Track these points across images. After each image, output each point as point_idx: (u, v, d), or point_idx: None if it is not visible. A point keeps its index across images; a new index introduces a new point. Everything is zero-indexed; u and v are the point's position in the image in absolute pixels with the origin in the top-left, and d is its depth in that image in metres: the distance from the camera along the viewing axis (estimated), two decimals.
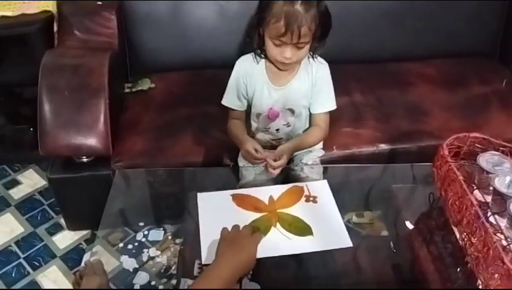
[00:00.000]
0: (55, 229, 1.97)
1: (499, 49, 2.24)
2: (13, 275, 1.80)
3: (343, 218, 1.23)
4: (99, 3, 1.93)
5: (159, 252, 1.16)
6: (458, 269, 1.11)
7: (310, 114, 1.47)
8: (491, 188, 1.09)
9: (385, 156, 1.72)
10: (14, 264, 1.84)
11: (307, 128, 1.50)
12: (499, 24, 2.20)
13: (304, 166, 1.50)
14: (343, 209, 1.25)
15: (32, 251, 1.89)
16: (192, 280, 1.07)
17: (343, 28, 2.05)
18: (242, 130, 1.43)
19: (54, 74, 1.66)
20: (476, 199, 1.06)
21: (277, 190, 1.30)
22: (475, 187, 1.10)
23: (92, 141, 1.63)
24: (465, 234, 1.07)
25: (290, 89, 1.40)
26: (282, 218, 1.21)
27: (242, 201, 1.27)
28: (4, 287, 1.75)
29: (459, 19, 2.13)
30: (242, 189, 1.32)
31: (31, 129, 2.16)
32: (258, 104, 1.42)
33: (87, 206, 1.75)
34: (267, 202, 1.26)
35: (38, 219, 2.02)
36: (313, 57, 1.38)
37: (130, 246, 1.18)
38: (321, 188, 1.31)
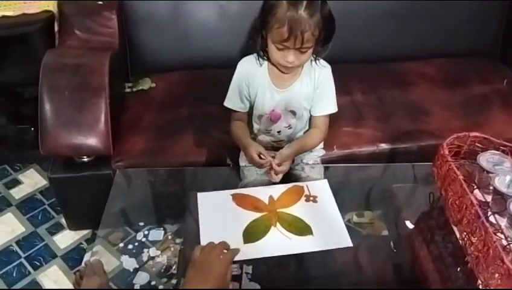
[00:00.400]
0: (56, 228, 1.98)
1: (499, 49, 2.24)
2: (14, 274, 1.80)
3: (343, 218, 1.23)
4: (100, 3, 1.93)
5: (159, 252, 1.16)
6: (458, 269, 1.11)
7: (310, 116, 1.47)
8: (491, 187, 1.09)
9: (385, 156, 1.72)
10: (15, 264, 1.84)
11: (307, 130, 1.50)
12: (500, 24, 2.20)
13: (304, 165, 1.50)
14: (343, 208, 1.25)
15: (33, 250, 1.89)
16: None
17: (344, 27, 2.02)
18: (245, 132, 1.42)
19: (55, 73, 1.67)
20: (476, 198, 1.06)
21: (277, 190, 1.30)
22: (475, 187, 1.10)
23: (92, 141, 1.63)
24: (465, 233, 1.07)
25: (292, 92, 1.40)
26: (282, 218, 1.21)
27: (242, 201, 1.27)
28: (5, 287, 1.75)
29: (460, 19, 2.13)
30: (242, 189, 1.32)
31: (32, 129, 2.16)
32: (260, 106, 1.42)
33: (87, 206, 1.75)
34: (267, 202, 1.26)
35: (39, 218, 2.02)
36: (315, 60, 1.38)
37: (130, 246, 1.18)
38: (321, 188, 1.31)
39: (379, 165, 1.56)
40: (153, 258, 1.15)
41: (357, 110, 1.84)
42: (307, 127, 1.50)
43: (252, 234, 1.17)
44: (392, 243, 1.26)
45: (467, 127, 1.61)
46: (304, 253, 1.14)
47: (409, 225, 1.26)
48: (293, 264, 1.15)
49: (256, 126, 1.48)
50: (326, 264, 1.18)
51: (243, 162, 1.52)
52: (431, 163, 1.24)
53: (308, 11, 1.19)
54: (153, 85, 1.96)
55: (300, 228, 1.19)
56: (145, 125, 1.77)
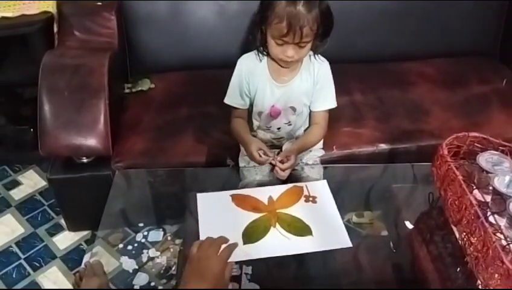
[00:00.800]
0: (56, 229, 1.97)
1: (499, 49, 2.24)
2: (14, 275, 1.80)
3: (343, 218, 1.23)
4: (99, 3, 1.93)
5: (158, 253, 1.16)
6: (458, 269, 1.11)
7: (310, 112, 1.48)
8: (490, 187, 1.09)
9: (385, 156, 1.72)
10: (14, 264, 1.84)
11: (307, 128, 1.50)
12: (499, 23, 2.20)
13: (304, 166, 1.50)
14: (343, 209, 1.25)
15: (32, 251, 1.89)
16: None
17: (344, 27, 2.03)
18: (245, 129, 1.43)
19: (54, 74, 1.67)
20: (476, 198, 1.06)
21: (276, 190, 1.30)
22: (474, 187, 1.10)
23: (92, 141, 1.63)
24: (464, 233, 1.07)
25: (292, 87, 1.41)
26: (282, 218, 1.21)
27: (241, 201, 1.27)
28: (4, 288, 1.75)
29: (459, 19, 2.13)
30: (241, 189, 1.32)
31: (31, 130, 2.16)
32: (260, 102, 1.43)
33: (87, 206, 1.75)
34: (266, 202, 1.26)
35: (39, 219, 2.02)
36: (314, 56, 1.39)
37: (130, 247, 1.18)
38: (321, 188, 1.31)
39: (378, 165, 1.56)
40: (152, 259, 1.15)
41: (356, 110, 1.84)
42: (307, 124, 1.50)
43: (251, 234, 1.17)
44: (391, 243, 1.26)
45: (467, 127, 1.61)
46: (303, 253, 1.14)
47: (409, 225, 1.26)
48: (293, 265, 1.15)
49: (256, 123, 1.49)
50: (325, 264, 1.18)
51: (242, 162, 1.52)
52: (430, 163, 1.24)
53: (307, 7, 1.21)
54: (153, 85, 1.96)
55: (299, 228, 1.19)
56: (144, 126, 1.77)
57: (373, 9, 2.06)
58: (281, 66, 1.37)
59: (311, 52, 1.37)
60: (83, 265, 1.08)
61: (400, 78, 2.02)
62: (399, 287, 1.16)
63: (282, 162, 1.31)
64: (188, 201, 1.30)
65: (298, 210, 1.24)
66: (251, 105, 1.46)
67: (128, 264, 1.14)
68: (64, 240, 1.93)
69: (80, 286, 1.01)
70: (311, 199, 1.28)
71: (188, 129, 1.74)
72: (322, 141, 1.59)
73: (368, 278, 1.17)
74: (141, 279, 1.11)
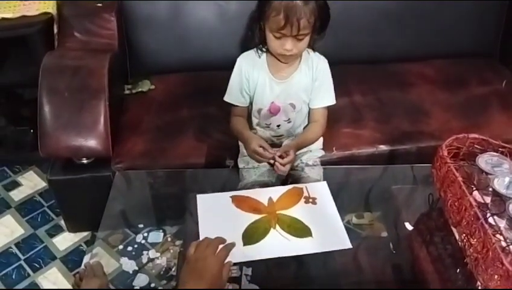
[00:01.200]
0: (55, 230, 1.97)
1: (499, 50, 2.24)
2: (13, 276, 1.80)
3: (343, 219, 1.23)
4: (99, 4, 1.93)
5: (158, 254, 1.17)
6: (457, 270, 1.11)
7: (309, 109, 1.49)
8: (490, 189, 1.09)
9: (385, 157, 1.72)
10: (14, 266, 1.84)
11: (306, 125, 1.51)
12: (499, 25, 2.20)
13: (304, 166, 1.50)
14: (343, 210, 1.25)
15: (32, 252, 1.89)
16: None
17: (344, 28, 2.05)
18: (245, 127, 1.44)
19: (54, 75, 1.67)
20: (475, 200, 1.06)
21: (276, 192, 1.30)
22: (474, 188, 1.10)
23: (92, 143, 1.63)
24: (464, 235, 1.07)
25: (292, 83, 1.42)
26: (282, 219, 1.21)
27: (241, 203, 1.27)
28: (4, 288, 1.75)
29: (459, 20, 2.13)
30: (241, 191, 1.32)
31: (31, 131, 2.16)
32: (259, 98, 1.44)
33: (87, 207, 1.75)
34: (266, 204, 1.26)
35: (39, 220, 2.02)
36: (313, 49, 1.40)
37: (129, 248, 1.18)
38: (320, 190, 1.31)
39: (378, 166, 1.56)
40: (152, 260, 1.15)
41: (356, 111, 1.84)
42: (306, 122, 1.51)
43: (251, 235, 1.17)
44: (391, 244, 1.26)
45: (466, 128, 1.61)
46: (303, 255, 1.14)
47: (408, 226, 1.27)
48: (293, 266, 1.15)
49: (255, 120, 1.50)
50: (325, 265, 1.18)
51: (242, 163, 1.52)
52: (430, 164, 1.24)
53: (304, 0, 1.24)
54: (153, 87, 1.96)
55: (299, 229, 1.19)
56: (144, 127, 1.77)
57: (373, 10, 2.06)
58: (280, 61, 1.38)
59: (309, 50, 1.38)
60: (82, 266, 1.08)
61: (399, 79, 2.02)
62: (399, 288, 1.16)
63: (281, 157, 1.32)
64: (188, 202, 1.30)
65: (298, 211, 1.24)
66: (250, 103, 1.47)
67: (128, 265, 1.14)
68: (64, 241, 1.93)
69: (79, 287, 1.01)
70: (311, 200, 1.28)
71: (188, 130, 1.74)
72: (321, 142, 1.59)
73: (367, 279, 1.17)
74: (141, 280, 1.11)
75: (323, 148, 1.61)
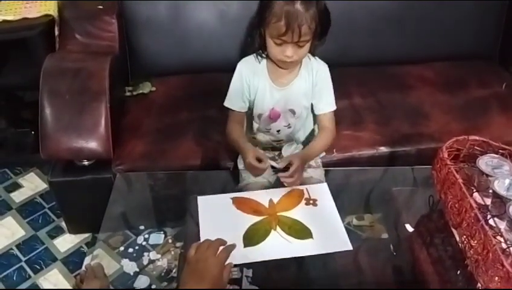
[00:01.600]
0: (56, 232, 1.98)
1: (498, 52, 2.24)
2: (14, 278, 1.80)
3: (343, 221, 1.24)
4: (100, 7, 1.93)
5: (159, 256, 1.17)
6: (458, 272, 1.11)
7: (314, 115, 1.48)
8: (490, 190, 1.09)
9: (385, 159, 1.72)
10: (15, 267, 1.84)
11: (311, 131, 1.50)
12: (499, 27, 2.20)
13: (306, 168, 1.49)
14: (343, 212, 1.25)
15: (33, 254, 1.89)
16: None
17: (344, 31, 2.06)
18: (242, 136, 1.42)
19: (55, 77, 1.67)
20: (476, 201, 1.06)
21: (277, 193, 1.30)
22: (474, 190, 1.10)
23: (92, 145, 1.63)
24: (464, 236, 1.07)
25: (292, 89, 1.41)
26: (282, 221, 1.22)
27: (242, 204, 1.27)
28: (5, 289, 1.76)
29: (459, 22, 2.14)
30: (242, 192, 1.32)
31: (32, 133, 2.17)
32: (259, 104, 1.43)
33: (88, 209, 1.75)
34: (267, 205, 1.26)
35: (39, 222, 2.02)
36: (313, 54, 1.40)
37: (130, 250, 1.19)
38: (321, 191, 1.32)
39: (379, 168, 1.56)
40: (153, 261, 1.15)
41: (356, 113, 1.85)
42: (307, 127, 1.51)
43: (252, 237, 1.17)
44: (391, 246, 1.27)
45: (466, 130, 1.62)
46: (304, 256, 1.14)
47: (409, 228, 1.27)
48: (293, 268, 1.15)
49: (255, 125, 1.49)
50: (326, 267, 1.18)
51: (241, 164, 1.52)
52: (430, 166, 1.24)
53: (305, 5, 1.22)
54: (153, 89, 1.96)
55: (300, 231, 1.19)
56: (145, 129, 1.77)
57: (373, 13, 2.07)
58: (280, 68, 1.37)
59: (309, 55, 1.37)
60: (83, 268, 1.09)
61: (399, 81, 2.02)
62: (399, 289, 1.16)
63: (286, 169, 1.27)
64: (188, 204, 1.30)
65: (299, 213, 1.25)
66: (250, 108, 1.46)
67: (129, 266, 1.14)
68: (65, 242, 1.93)
69: (80, 288, 1.01)
70: (311, 201, 1.28)
71: (189, 132, 1.74)
72: None
73: (368, 281, 1.17)
74: (142, 282, 1.11)
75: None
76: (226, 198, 1.29)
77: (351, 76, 2.02)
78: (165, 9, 1.99)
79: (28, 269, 1.83)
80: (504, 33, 2.20)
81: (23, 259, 1.87)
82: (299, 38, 1.24)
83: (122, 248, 1.19)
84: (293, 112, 1.43)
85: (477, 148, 1.20)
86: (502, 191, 1.07)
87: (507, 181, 1.09)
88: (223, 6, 2.01)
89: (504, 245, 0.98)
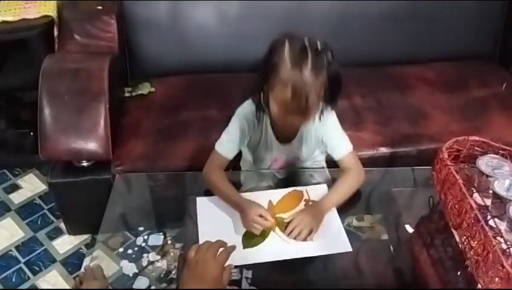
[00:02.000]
0: (55, 233, 1.97)
1: (498, 53, 2.24)
2: (13, 279, 1.80)
3: (343, 222, 1.23)
4: (100, 7, 1.93)
5: (159, 257, 1.16)
6: (458, 273, 1.11)
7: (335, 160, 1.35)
8: (490, 191, 1.09)
9: (385, 160, 1.72)
10: (14, 269, 1.84)
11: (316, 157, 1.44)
12: (499, 27, 2.20)
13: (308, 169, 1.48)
14: (343, 212, 1.25)
15: (32, 255, 1.89)
16: None
17: (344, 31, 2.06)
18: (231, 188, 1.27)
19: (55, 78, 1.67)
20: (476, 202, 1.06)
21: (276, 194, 1.30)
22: (474, 190, 1.10)
23: (92, 145, 1.63)
24: (464, 237, 1.07)
25: (297, 143, 1.34)
26: (282, 222, 1.21)
27: None
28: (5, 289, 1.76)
29: (459, 23, 2.14)
30: (241, 193, 1.31)
31: (32, 133, 2.16)
32: (260, 155, 1.35)
33: (87, 210, 1.75)
34: (266, 207, 1.26)
35: (39, 223, 2.02)
36: (319, 118, 1.27)
37: (130, 251, 1.18)
38: (321, 193, 1.31)
39: (379, 169, 1.55)
40: (152, 263, 1.15)
41: (356, 114, 1.84)
42: (316, 157, 1.44)
43: (251, 238, 1.17)
44: (392, 247, 1.26)
45: (467, 130, 1.61)
46: (303, 258, 1.13)
47: (409, 228, 1.26)
48: (293, 269, 1.14)
49: (248, 157, 1.42)
50: (326, 268, 1.18)
51: (244, 166, 1.51)
52: (430, 167, 1.24)
53: (314, 71, 1.09)
54: (153, 89, 1.96)
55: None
56: (144, 130, 1.77)
57: (373, 14, 2.07)
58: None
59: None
60: (82, 269, 1.08)
61: (400, 82, 2.02)
62: None
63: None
64: (187, 205, 1.30)
65: None
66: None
67: (129, 268, 1.14)
68: (64, 244, 1.93)
69: None
70: (311, 203, 1.27)
71: (188, 133, 1.74)
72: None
73: (368, 282, 1.17)
74: (141, 283, 1.10)
75: None
76: None
77: (351, 76, 2.00)
78: (165, 10, 1.99)
79: (27, 271, 1.83)
80: (504, 33, 2.20)
81: (22, 260, 1.87)
82: (306, 106, 1.12)
83: (121, 249, 1.19)
84: (298, 158, 1.37)
85: (477, 148, 1.20)
86: (502, 192, 1.07)
87: (507, 182, 1.09)
88: (223, 6, 2.01)
89: (504, 246, 0.98)
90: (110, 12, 1.92)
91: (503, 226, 1.04)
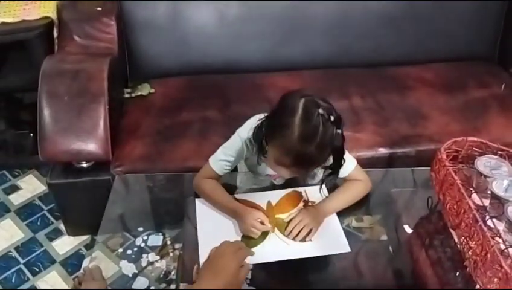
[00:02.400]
0: (55, 234, 1.97)
1: (497, 53, 2.25)
2: (13, 280, 1.80)
3: (342, 222, 1.23)
4: (99, 9, 1.94)
5: (158, 257, 1.16)
6: (457, 273, 1.11)
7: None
8: (488, 191, 1.09)
9: (384, 160, 1.72)
10: (14, 269, 1.84)
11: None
12: (497, 28, 2.21)
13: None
14: (342, 213, 1.25)
15: (31, 256, 1.89)
16: (192, 285, 1.07)
17: (343, 32, 2.06)
18: (226, 195, 1.25)
19: (54, 79, 1.67)
20: (474, 202, 1.06)
21: (275, 195, 1.30)
22: (473, 191, 1.10)
23: (91, 146, 1.63)
24: (463, 237, 1.07)
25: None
26: (280, 223, 1.21)
27: None
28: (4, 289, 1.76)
29: (458, 23, 2.14)
30: (240, 194, 1.31)
31: (31, 134, 2.16)
32: (257, 170, 1.32)
33: (86, 211, 1.75)
34: (265, 207, 1.26)
35: (38, 224, 2.02)
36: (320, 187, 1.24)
37: (129, 251, 1.18)
38: (319, 189, 1.31)
39: (378, 169, 1.55)
40: (152, 263, 1.15)
41: (355, 114, 1.85)
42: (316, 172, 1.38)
43: (250, 239, 1.17)
44: (391, 248, 1.26)
45: (465, 131, 1.62)
46: (302, 258, 1.13)
47: (408, 229, 1.27)
48: (292, 270, 1.14)
49: (242, 167, 1.41)
50: (325, 269, 1.18)
51: (243, 168, 1.51)
52: (429, 168, 1.24)
53: (320, 148, 1.04)
54: (152, 90, 1.96)
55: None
56: (144, 131, 1.77)
57: (372, 15, 2.07)
58: None
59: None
60: (82, 270, 1.08)
61: (398, 82, 2.03)
62: None
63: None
64: (187, 206, 1.30)
65: None
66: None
67: (128, 268, 1.14)
68: (64, 244, 1.93)
69: None
70: (310, 203, 1.27)
71: (188, 134, 1.74)
72: None
73: (367, 283, 1.17)
74: (141, 283, 1.10)
75: None
76: None
77: (350, 77, 2.02)
78: (164, 11, 1.99)
79: (26, 272, 1.83)
80: (503, 34, 2.21)
81: (22, 261, 1.87)
82: (304, 173, 1.11)
83: (120, 250, 1.19)
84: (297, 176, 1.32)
85: (476, 149, 1.21)
86: (500, 192, 1.07)
87: (505, 182, 1.09)
88: (222, 7, 2.01)
89: (502, 246, 0.98)
90: (109, 13, 1.92)
91: (501, 226, 1.04)
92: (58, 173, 1.72)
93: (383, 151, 1.73)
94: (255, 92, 1.92)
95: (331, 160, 1.13)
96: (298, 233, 1.16)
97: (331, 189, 1.29)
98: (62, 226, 1.96)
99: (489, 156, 1.18)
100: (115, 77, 1.76)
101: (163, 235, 1.22)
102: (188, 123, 1.79)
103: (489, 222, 1.02)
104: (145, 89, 1.96)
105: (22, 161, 2.25)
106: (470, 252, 1.03)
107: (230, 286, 0.92)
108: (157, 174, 1.51)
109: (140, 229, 1.24)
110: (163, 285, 1.10)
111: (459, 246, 1.11)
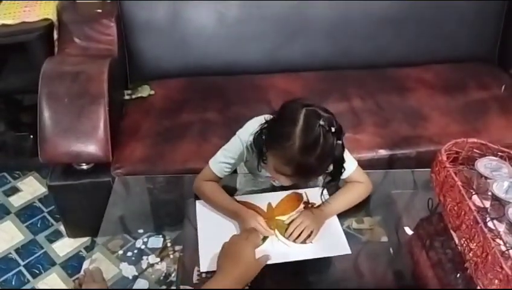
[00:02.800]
0: (55, 236, 1.97)
1: (497, 55, 2.25)
2: (13, 282, 1.79)
3: (343, 224, 1.23)
4: (99, 10, 1.94)
5: (158, 259, 1.16)
6: (457, 275, 1.11)
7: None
8: (489, 193, 1.09)
9: (384, 162, 1.72)
10: (14, 272, 1.83)
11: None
12: (497, 29, 2.21)
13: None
14: (342, 215, 1.25)
15: (32, 258, 1.89)
16: (192, 287, 1.07)
17: (343, 34, 2.06)
18: (227, 197, 1.25)
19: (54, 81, 1.67)
20: (475, 204, 1.06)
21: (275, 197, 1.30)
22: (473, 192, 1.10)
23: (91, 148, 1.63)
24: (464, 239, 1.07)
25: None
26: (281, 225, 1.21)
27: None
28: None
29: (458, 25, 2.14)
30: (240, 196, 1.31)
31: (31, 136, 2.17)
32: (258, 173, 1.29)
33: (87, 213, 1.75)
34: (265, 209, 1.26)
35: (38, 226, 2.02)
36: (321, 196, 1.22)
37: (129, 253, 1.18)
38: (320, 195, 1.31)
39: (378, 171, 1.55)
40: (152, 265, 1.15)
41: (355, 116, 1.85)
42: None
43: None
44: (391, 249, 1.26)
45: (466, 132, 1.62)
46: (302, 260, 1.13)
47: (408, 231, 1.26)
48: (292, 272, 1.14)
49: (244, 170, 1.40)
50: (325, 270, 1.18)
51: (241, 169, 1.51)
52: (430, 169, 1.24)
53: (320, 159, 1.04)
54: (152, 92, 1.96)
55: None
56: (144, 132, 1.77)
57: (372, 16, 2.07)
58: None
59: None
60: (82, 272, 1.08)
61: (399, 84, 2.03)
62: None
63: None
64: (187, 208, 1.30)
65: None
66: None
67: (128, 270, 1.14)
68: (64, 246, 1.93)
69: None
70: (310, 205, 1.27)
71: (188, 135, 1.74)
72: None
73: (367, 284, 1.17)
74: (141, 285, 1.10)
75: None
76: None
77: (350, 78, 2.02)
78: (164, 12, 1.99)
79: (26, 274, 1.83)
80: (503, 35, 2.21)
81: (22, 263, 1.87)
82: (303, 182, 1.13)
83: (121, 252, 1.19)
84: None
85: (476, 150, 1.20)
86: (501, 194, 1.07)
87: (506, 183, 1.09)
88: (222, 9, 2.01)
89: (503, 248, 0.98)
90: (109, 15, 1.92)
91: (502, 228, 1.04)
92: (58, 175, 1.72)
93: (383, 152, 1.73)
94: (254, 93, 1.93)
95: (332, 166, 1.13)
96: (299, 235, 1.16)
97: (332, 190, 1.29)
98: (62, 228, 1.96)
99: (490, 157, 1.18)
100: (114, 78, 1.76)
101: (164, 237, 1.22)
102: (188, 125, 1.79)
103: (489, 224, 1.02)
104: (145, 91, 1.96)
105: (22, 162, 2.25)
106: (470, 254, 1.03)
107: (252, 270, 0.99)
108: (157, 176, 1.51)
109: (141, 231, 1.24)
110: (164, 287, 1.10)
111: (459, 247, 1.11)
